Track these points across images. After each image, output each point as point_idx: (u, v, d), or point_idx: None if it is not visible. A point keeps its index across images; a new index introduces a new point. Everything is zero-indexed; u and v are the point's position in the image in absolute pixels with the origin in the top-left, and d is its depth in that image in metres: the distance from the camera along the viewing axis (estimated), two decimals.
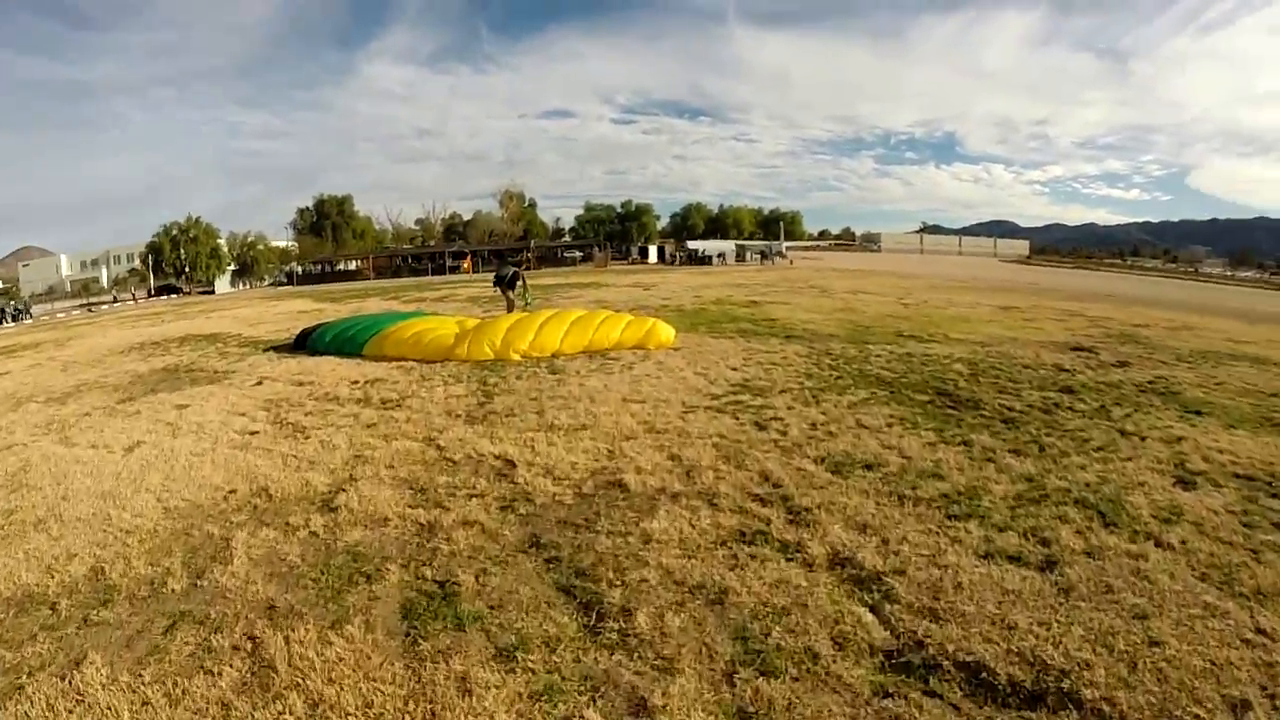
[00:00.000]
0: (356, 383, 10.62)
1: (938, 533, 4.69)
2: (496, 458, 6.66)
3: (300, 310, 25.66)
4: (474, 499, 5.60)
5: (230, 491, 6.10)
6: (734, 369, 10.35)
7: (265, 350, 14.87)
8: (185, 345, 16.90)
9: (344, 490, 5.91)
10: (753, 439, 6.99)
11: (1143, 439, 6.85)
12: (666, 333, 12.33)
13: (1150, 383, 9.52)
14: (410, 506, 5.50)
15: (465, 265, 55.30)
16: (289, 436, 7.84)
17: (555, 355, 11.47)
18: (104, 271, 65.06)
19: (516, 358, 11.38)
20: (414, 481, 6.06)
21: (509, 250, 67.31)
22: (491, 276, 17.75)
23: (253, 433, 8.09)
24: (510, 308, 17.26)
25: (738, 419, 7.71)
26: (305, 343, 14.21)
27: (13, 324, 36.63)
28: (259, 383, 11.18)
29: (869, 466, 6.09)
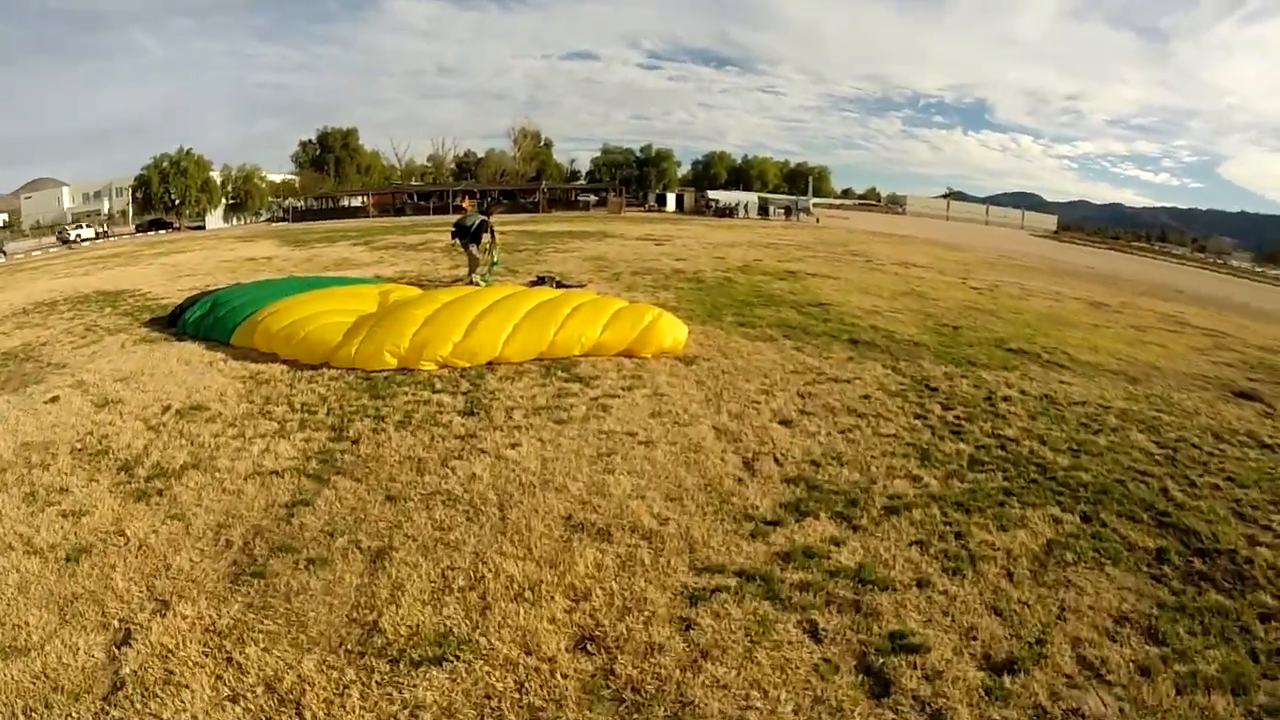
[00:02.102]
0: (168, 409, 6.31)
1: None
2: None
3: (250, 256, 21.16)
4: None
5: None
6: (785, 423, 5.82)
7: (146, 324, 10.58)
8: (73, 310, 12.55)
9: None
10: None
11: None
12: (673, 332, 7.74)
13: None
14: None
15: (466, 205, 50.21)
16: None
17: (494, 363, 7.03)
18: (105, 204, 60.54)
19: (430, 368, 6.94)
20: None
21: (520, 191, 62.21)
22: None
23: None
24: (473, 269, 12.72)
25: (815, 634, 3.30)
26: (177, 321, 9.87)
27: None
28: (54, 399, 6.88)
29: None
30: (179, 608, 3.60)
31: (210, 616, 3.53)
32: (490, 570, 3.69)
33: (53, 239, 46.91)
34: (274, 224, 51.48)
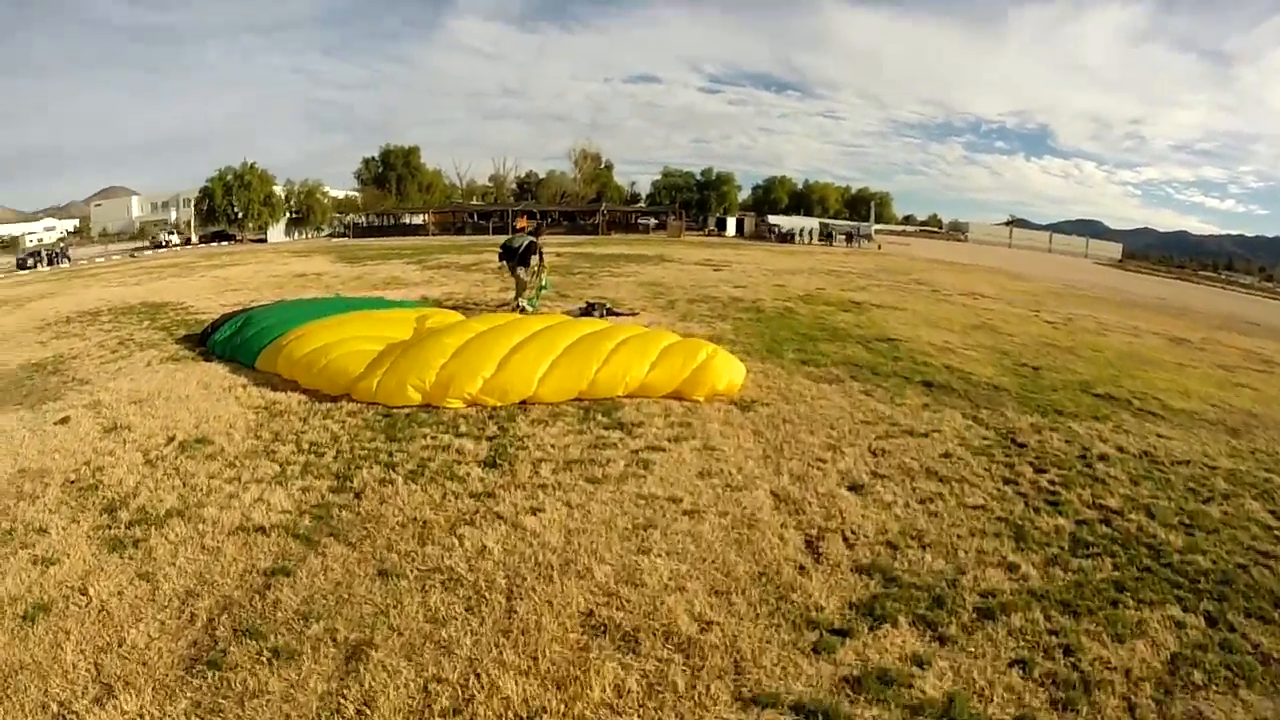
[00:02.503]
0: (172, 440, 5.82)
1: None
2: None
3: (301, 272, 21.22)
4: None
5: None
6: (855, 488, 4.87)
7: (179, 340, 10.34)
8: (114, 321, 12.59)
9: None
10: None
11: None
12: (729, 372, 6.87)
13: None
14: None
15: (521, 224, 49.60)
16: None
17: (528, 403, 6.32)
18: (172, 213, 62.48)
19: (456, 405, 6.27)
20: None
21: (580, 212, 62.26)
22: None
23: None
24: (519, 292, 12.15)
25: None
26: (207, 340, 9.54)
27: (47, 267, 34.11)
28: (64, 419, 6.52)
29: None
30: (122, 697, 2.98)
31: (152, 715, 2.88)
32: (483, 687, 2.90)
33: (128, 245, 49.14)
34: (334, 239, 52.16)
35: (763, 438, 5.75)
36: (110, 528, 4.40)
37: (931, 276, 23.64)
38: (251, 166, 53.18)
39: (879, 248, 45.48)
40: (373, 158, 66.77)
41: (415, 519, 4.32)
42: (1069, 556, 4.13)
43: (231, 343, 8.75)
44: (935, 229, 78.04)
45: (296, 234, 57.24)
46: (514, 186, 73.71)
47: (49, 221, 69.78)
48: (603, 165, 75.13)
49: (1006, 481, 5.19)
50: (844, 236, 50.83)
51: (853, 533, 4.31)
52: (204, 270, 23.12)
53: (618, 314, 11.61)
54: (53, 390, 7.57)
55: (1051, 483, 5.20)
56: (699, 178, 71.45)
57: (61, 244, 46.86)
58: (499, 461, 5.17)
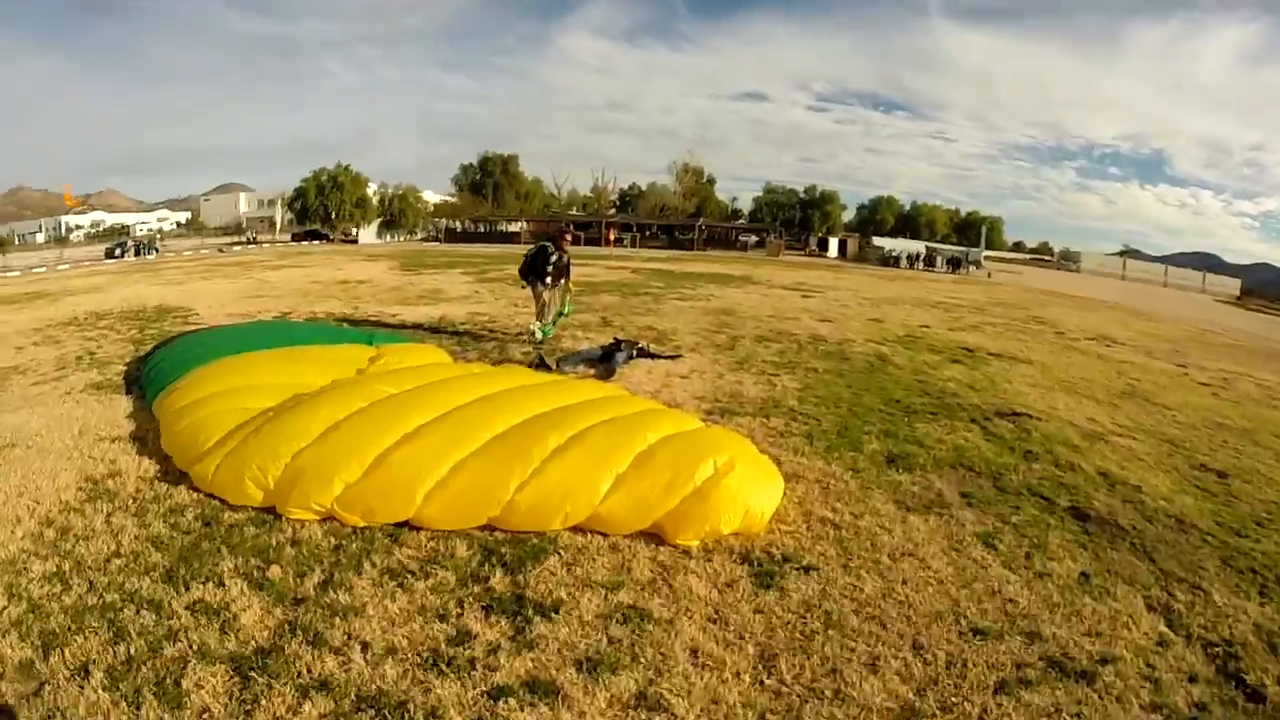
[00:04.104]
0: None
1: None
2: None
3: (345, 279, 19.70)
4: None
5: None
6: None
7: (130, 361, 8.74)
8: (99, 328, 11.20)
9: None
10: None
11: None
12: (749, 497, 4.01)
13: None
14: None
15: (610, 235, 46.77)
16: None
17: (414, 526, 3.86)
18: (277, 211, 64.29)
19: (304, 517, 3.90)
20: None
21: (678, 226, 59.93)
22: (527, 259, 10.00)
23: None
24: (540, 314, 9.80)
25: None
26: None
27: (135, 258, 34.40)
28: None
29: None
30: None
31: None
32: None
33: (223, 240, 50.86)
34: (426, 243, 51.97)
35: (776, 671, 2.96)
36: None
37: (1050, 313, 19.59)
38: (346, 169, 53.17)
39: (989, 276, 40.45)
40: (471, 164, 66.53)
41: None
42: None
43: (146, 377, 6.85)
44: (1046, 257, 70.84)
45: (389, 236, 57.31)
46: (614, 198, 72.25)
47: (163, 213, 73.67)
48: (704, 180, 72.48)
49: None
50: (948, 262, 45.89)
51: None
52: (258, 271, 22.28)
53: (655, 356, 9.05)
54: None
55: None
56: (802, 195, 67.62)
57: (154, 236, 48.52)
58: (262, 664, 2.72)
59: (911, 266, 45.43)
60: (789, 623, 3.25)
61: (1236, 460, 6.53)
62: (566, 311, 9.99)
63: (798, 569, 3.71)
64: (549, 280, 9.47)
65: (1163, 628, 3.46)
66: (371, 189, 56.27)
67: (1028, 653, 3.15)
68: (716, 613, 3.28)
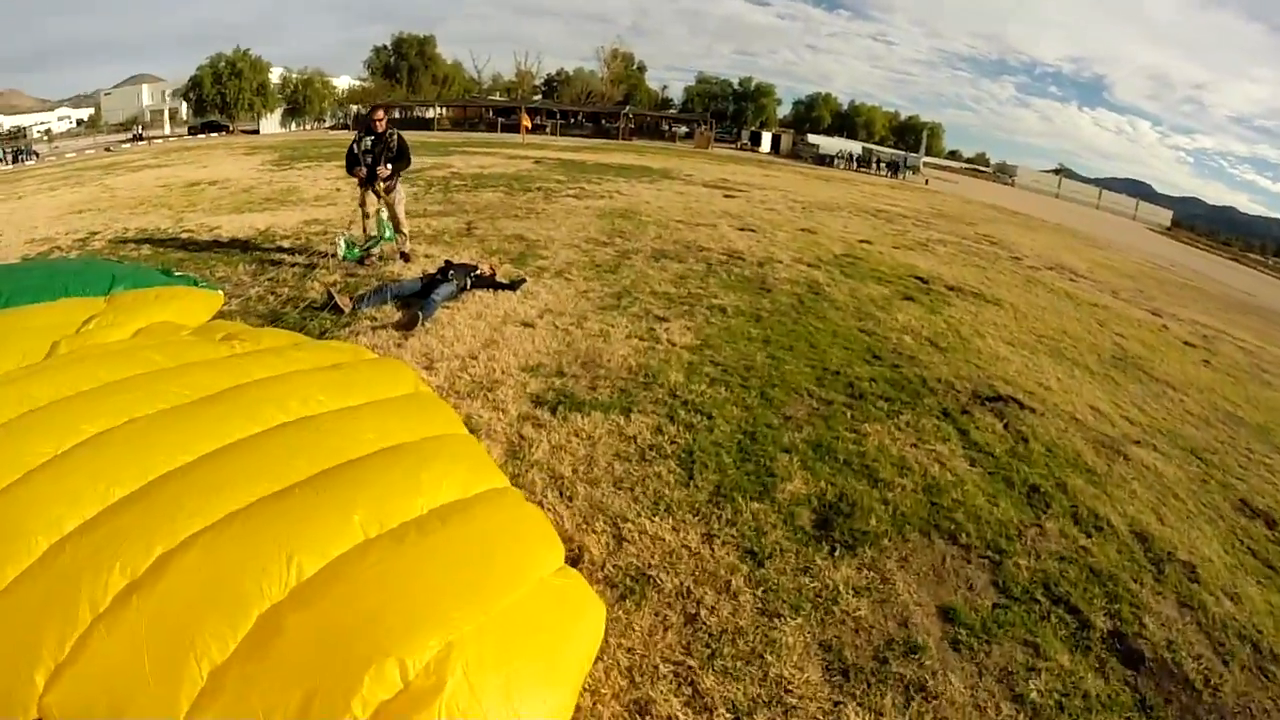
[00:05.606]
0: None
1: None
2: None
3: (210, 180, 15.70)
4: None
5: None
6: None
7: None
8: None
9: None
10: None
11: None
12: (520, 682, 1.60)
13: None
14: None
15: (523, 123, 41.08)
16: None
17: None
18: (182, 103, 56.76)
19: None
20: None
21: (604, 114, 54.93)
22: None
23: None
24: (369, 235, 6.82)
25: None
26: None
27: (11, 166, 28.66)
28: None
29: None
30: None
31: None
32: None
33: (110, 139, 43.86)
34: (332, 131, 46.56)
35: None
36: None
37: (1000, 232, 17.64)
38: (245, 54, 46.76)
39: (926, 182, 38.34)
40: (384, 46, 58.81)
41: None
42: None
43: None
44: (982, 168, 69.64)
45: (293, 124, 51.38)
46: (539, 83, 65.88)
47: (63, 111, 63.44)
48: (634, 66, 66.56)
49: None
50: (886, 165, 43.43)
51: None
52: (116, 174, 17.56)
53: (499, 286, 6.28)
54: None
55: None
56: (737, 87, 62.89)
57: (30, 138, 41.70)
58: None
59: (847, 167, 42.84)
60: None
61: (1274, 487, 4.55)
62: (387, 236, 6.94)
63: None
64: (364, 177, 6.56)
65: None
66: (276, 75, 49.95)
67: None
68: None
